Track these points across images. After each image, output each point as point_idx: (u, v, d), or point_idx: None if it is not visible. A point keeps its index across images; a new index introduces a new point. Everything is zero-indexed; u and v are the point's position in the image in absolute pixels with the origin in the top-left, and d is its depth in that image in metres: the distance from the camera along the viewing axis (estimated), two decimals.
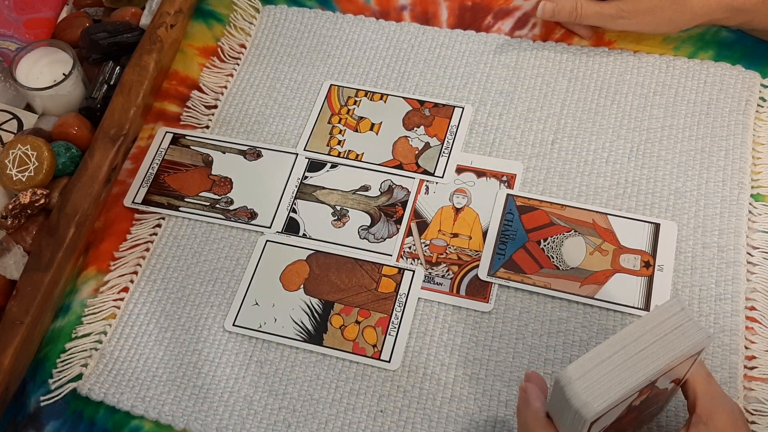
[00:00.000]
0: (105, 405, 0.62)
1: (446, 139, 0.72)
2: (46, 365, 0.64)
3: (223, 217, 0.70)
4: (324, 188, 0.71)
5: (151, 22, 0.76)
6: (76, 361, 0.64)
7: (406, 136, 0.72)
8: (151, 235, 0.70)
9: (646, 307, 0.62)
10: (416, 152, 0.71)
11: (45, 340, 0.66)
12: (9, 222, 0.66)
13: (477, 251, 0.66)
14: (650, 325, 0.47)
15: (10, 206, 0.66)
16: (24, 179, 0.67)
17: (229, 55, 0.79)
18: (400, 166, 0.71)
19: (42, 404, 0.63)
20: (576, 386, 0.46)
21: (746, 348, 0.60)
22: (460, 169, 0.70)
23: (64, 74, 0.73)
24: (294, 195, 0.70)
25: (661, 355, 0.46)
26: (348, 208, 0.69)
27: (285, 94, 0.76)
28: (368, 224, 0.68)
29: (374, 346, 0.62)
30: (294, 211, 0.70)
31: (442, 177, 0.70)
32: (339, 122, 0.74)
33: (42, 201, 0.67)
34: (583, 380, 0.46)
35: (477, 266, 0.65)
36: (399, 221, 0.68)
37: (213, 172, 0.72)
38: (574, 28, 0.76)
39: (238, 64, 0.79)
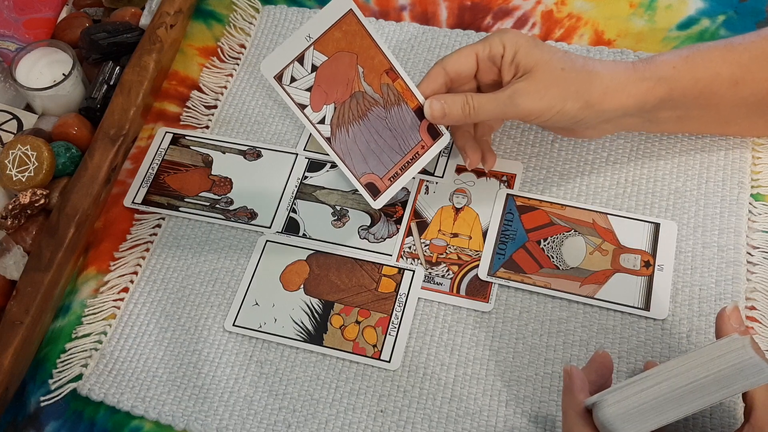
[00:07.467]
0: (105, 405, 0.62)
1: None
2: (46, 365, 0.64)
3: (223, 217, 0.70)
4: (324, 188, 0.71)
5: (151, 22, 0.76)
6: (76, 361, 0.64)
7: None
8: (151, 235, 0.70)
9: (646, 307, 0.62)
10: None
11: (45, 340, 0.66)
12: (9, 222, 0.66)
13: (477, 251, 0.66)
14: (705, 358, 0.46)
15: (10, 206, 0.66)
16: (24, 179, 0.67)
17: (229, 55, 0.79)
18: None
19: (42, 404, 0.63)
20: (611, 411, 0.47)
21: None
22: (460, 169, 0.70)
23: (64, 74, 0.73)
24: (294, 195, 0.70)
25: (712, 392, 0.45)
26: (348, 208, 0.69)
27: None
28: (368, 224, 0.68)
29: (374, 346, 0.62)
30: (294, 211, 0.70)
31: (442, 177, 0.70)
32: None
33: (42, 201, 0.67)
34: (619, 406, 0.47)
35: (477, 266, 0.65)
36: (399, 221, 0.68)
37: (213, 172, 0.72)
38: (467, 147, 0.66)
39: (238, 64, 0.79)
